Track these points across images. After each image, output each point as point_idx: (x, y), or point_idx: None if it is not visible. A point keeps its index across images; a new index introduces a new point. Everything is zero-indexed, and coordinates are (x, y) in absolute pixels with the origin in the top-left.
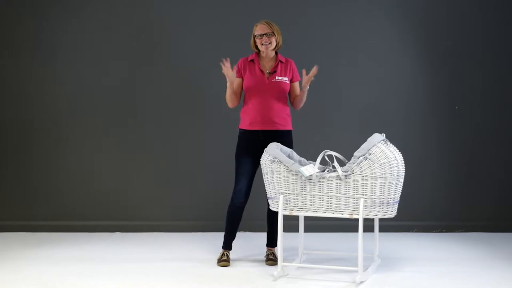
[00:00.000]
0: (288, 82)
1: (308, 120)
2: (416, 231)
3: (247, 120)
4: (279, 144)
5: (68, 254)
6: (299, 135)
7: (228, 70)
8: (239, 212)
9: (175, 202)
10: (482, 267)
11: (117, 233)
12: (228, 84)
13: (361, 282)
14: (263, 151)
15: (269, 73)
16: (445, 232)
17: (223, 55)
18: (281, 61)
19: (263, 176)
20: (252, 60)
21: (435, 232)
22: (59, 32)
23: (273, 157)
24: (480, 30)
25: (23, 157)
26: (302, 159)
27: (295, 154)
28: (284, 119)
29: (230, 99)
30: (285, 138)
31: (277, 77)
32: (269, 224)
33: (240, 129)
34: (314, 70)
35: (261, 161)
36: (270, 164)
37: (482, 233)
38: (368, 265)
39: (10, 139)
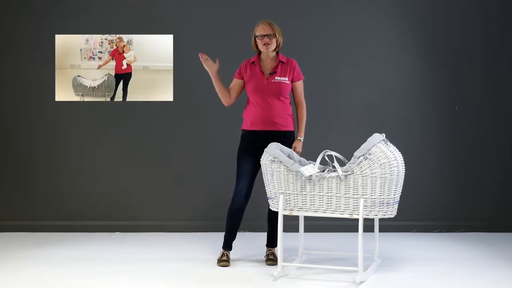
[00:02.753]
0: (288, 82)
1: (308, 120)
2: (416, 231)
3: (249, 121)
4: (279, 144)
5: (68, 254)
6: None
7: (207, 63)
8: (240, 213)
9: (175, 202)
10: (482, 267)
11: (117, 233)
12: (212, 80)
13: (361, 282)
14: None
15: (269, 73)
16: (445, 232)
17: (224, 55)
18: (281, 61)
19: (263, 176)
20: (253, 62)
21: (435, 232)
22: (59, 32)
23: (273, 157)
24: (480, 30)
25: (23, 157)
26: (302, 159)
27: (295, 154)
28: (285, 120)
29: (221, 96)
30: (287, 139)
31: (276, 78)
32: (270, 224)
33: (242, 130)
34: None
35: (261, 161)
36: (270, 164)
37: (482, 233)
38: (368, 265)
39: (10, 139)
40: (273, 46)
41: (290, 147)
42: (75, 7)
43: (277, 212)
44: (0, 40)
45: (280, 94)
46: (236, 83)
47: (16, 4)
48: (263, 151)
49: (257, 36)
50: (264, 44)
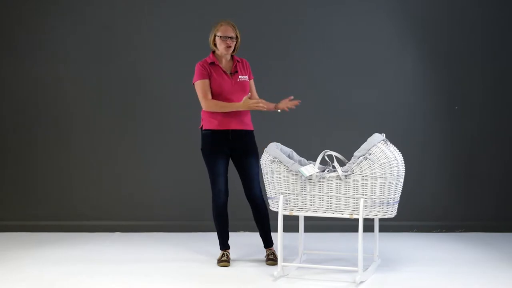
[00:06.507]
0: (248, 80)
1: (308, 120)
2: (416, 231)
3: (216, 120)
4: (279, 144)
5: (68, 254)
6: (299, 135)
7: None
8: (225, 209)
9: (175, 202)
10: (482, 267)
11: (117, 233)
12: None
13: (361, 282)
14: (232, 149)
15: (231, 73)
16: (445, 232)
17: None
18: (238, 61)
19: (263, 176)
20: (212, 63)
21: (435, 232)
22: (59, 32)
23: (273, 157)
24: (480, 30)
25: (23, 157)
26: (302, 159)
27: (295, 154)
28: (249, 119)
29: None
30: (249, 137)
31: (240, 77)
32: (258, 225)
33: (206, 129)
34: (295, 102)
35: (261, 161)
36: (270, 164)
37: (482, 233)
38: (368, 265)
39: (10, 139)
40: (232, 48)
41: (253, 146)
42: (75, 7)
43: (269, 212)
44: (0, 40)
45: (245, 92)
46: (208, 84)
47: (16, 4)
48: (230, 149)
49: (221, 36)
50: (227, 46)
